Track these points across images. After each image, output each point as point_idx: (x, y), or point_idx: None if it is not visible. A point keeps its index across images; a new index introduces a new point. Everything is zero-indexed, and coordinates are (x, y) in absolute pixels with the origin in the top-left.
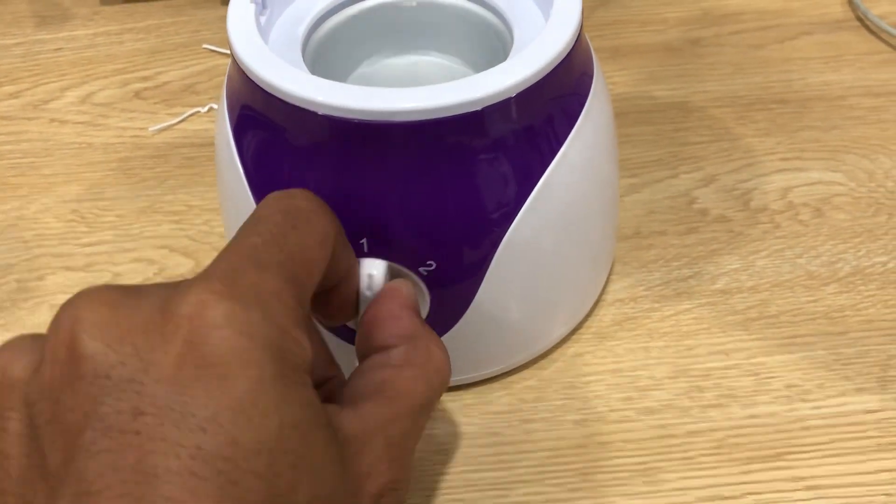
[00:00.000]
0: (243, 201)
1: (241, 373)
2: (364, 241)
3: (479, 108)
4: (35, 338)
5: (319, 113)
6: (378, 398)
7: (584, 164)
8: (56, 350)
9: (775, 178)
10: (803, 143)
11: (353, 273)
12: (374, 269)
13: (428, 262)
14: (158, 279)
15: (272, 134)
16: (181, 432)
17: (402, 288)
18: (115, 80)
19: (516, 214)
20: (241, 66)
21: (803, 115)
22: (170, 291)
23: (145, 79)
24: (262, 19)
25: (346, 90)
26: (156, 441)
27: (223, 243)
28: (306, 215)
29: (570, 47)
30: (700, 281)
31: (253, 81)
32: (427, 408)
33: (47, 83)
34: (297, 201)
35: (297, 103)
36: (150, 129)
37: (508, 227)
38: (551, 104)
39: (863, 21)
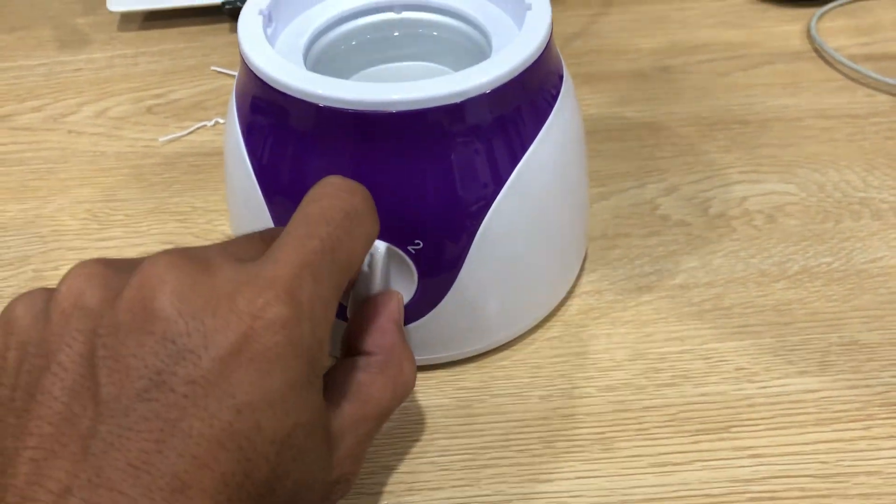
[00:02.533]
0: (250, 191)
1: (281, 374)
2: None
3: (458, 100)
4: (113, 274)
5: (318, 104)
6: (354, 400)
7: (555, 159)
8: (134, 300)
9: (733, 189)
10: (761, 158)
11: None
12: (374, 250)
13: (416, 241)
14: None
15: (276, 124)
16: (220, 407)
17: (393, 301)
18: (129, 97)
19: (493, 201)
20: (250, 66)
21: (762, 135)
22: (242, 278)
23: (157, 96)
24: (269, 31)
25: (342, 84)
26: (198, 408)
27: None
28: (361, 219)
29: (541, 51)
30: (660, 277)
31: (260, 79)
32: (388, 413)
33: (66, 99)
34: (357, 201)
35: (299, 96)
36: (160, 139)
37: (486, 213)
38: (524, 100)
39: (819, 52)
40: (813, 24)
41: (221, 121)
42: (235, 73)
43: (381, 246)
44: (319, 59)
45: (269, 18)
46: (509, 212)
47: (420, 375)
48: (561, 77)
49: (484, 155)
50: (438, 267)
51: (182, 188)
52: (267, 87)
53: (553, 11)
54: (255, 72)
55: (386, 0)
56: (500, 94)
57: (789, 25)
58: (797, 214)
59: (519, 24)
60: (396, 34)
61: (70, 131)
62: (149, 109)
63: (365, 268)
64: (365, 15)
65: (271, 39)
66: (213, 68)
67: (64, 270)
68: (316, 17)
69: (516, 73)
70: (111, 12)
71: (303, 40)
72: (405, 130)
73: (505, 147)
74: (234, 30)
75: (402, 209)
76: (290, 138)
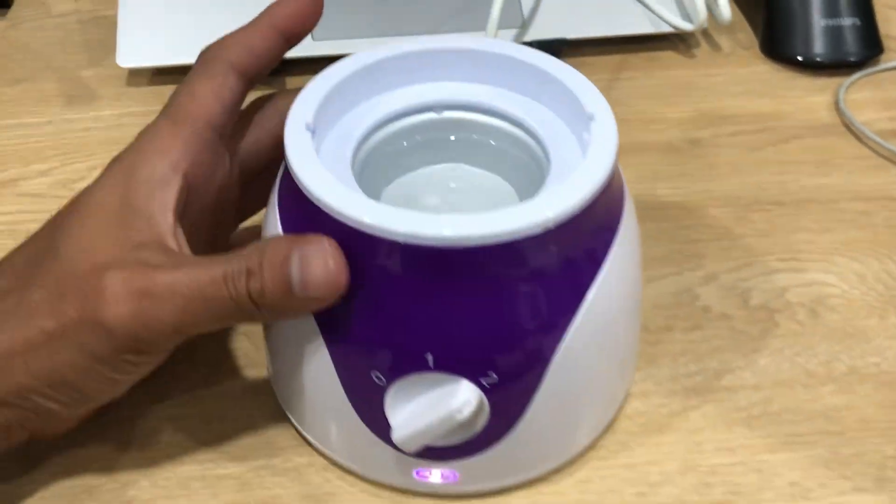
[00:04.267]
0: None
1: None
2: (429, 355)
3: (537, 232)
4: None
5: (388, 239)
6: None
7: (624, 277)
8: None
9: (774, 278)
10: (799, 244)
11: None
12: (466, 403)
13: (489, 374)
14: None
15: None
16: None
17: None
18: None
19: (568, 329)
20: (309, 196)
21: (798, 217)
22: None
23: None
24: (315, 143)
25: (411, 218)
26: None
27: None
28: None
29: (609, 178)
30: (706, 378)
31: (322, 210)
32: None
33: (75, 162)
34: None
35: (366, 230)
36: None
37: (562, 342)
38: (596, 223)
39: (849, 127)
40: (841, 95)
41: None
42: None
43: (472, 398)
44: (367, 160)
45: (314, 131)
46: (583, 338)
47: (470, 501)
48: (622, 188)
49: (558, 284)
50: (510, 399)
51: None
52: (329, 217)
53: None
54: (314, 201)
55: (432, 99)
56: (576, 222)
57: (817, 96)
58: (840, 308)
59: (577, 133)
60: (452, 138)
61: None
62: None
63: (456, 414)
64: (407, 116)
65: (317, 149)
66: None
67: None
68: (359, 120)
69: (591, 200)
70: (119, 66)
71: (349, 147)
72: (480, 265)
73: (579, 274)
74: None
75: (478, 343)
76: (351, 270)
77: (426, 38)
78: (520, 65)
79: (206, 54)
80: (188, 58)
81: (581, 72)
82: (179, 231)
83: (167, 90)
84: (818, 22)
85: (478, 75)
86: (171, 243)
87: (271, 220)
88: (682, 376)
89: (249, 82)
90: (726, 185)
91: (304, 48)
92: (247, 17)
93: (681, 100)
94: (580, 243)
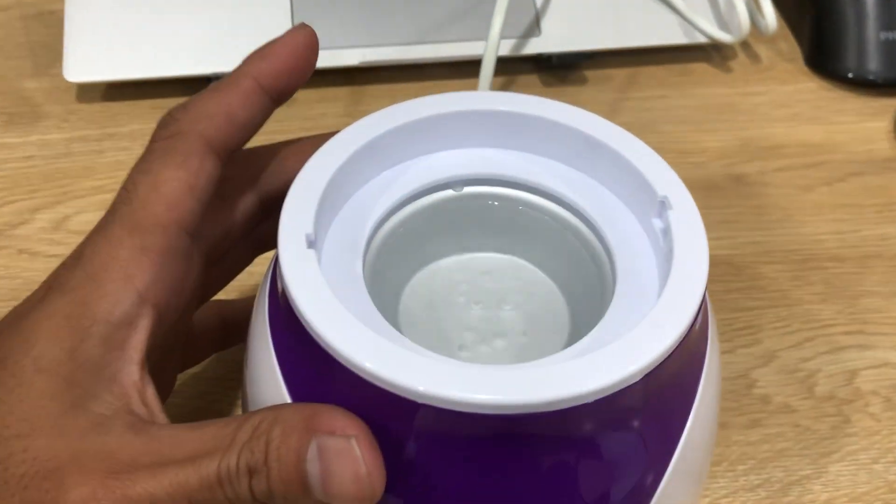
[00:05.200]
0: None
1: None
2: None
3: (613, 392)
4: None
5: (430, 405)
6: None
7: (708, 416)
8: None
9: (840, 358)
10: (866, 313)
11: None
12: None
13: None
14: None
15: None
16: None
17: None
18: (94, 200)
19: (657, 488)
20: (326, 347)
21: (862, 278)
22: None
23: None
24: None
25: (464, 376)
26: None
27: None
28: None
29: (698, 312)
30: (770, 492)
31: (340, 363)
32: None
33: (15, 201)
34: None
35: (406, 395)
36: None
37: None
38: (680, 364)
39: None
40: None
41: None
42: None
43: None
44: (378, 255)
45: (315, 242)
46: (672, 492)
47: None
48: (707, 305)
49: (645, 439)
50: None
51: None
52: (347, 371)
53: (597, 92)
54: (329, 352)
55: (454, 174)
56: (658, 371)
57: (872, 122)
58: None
59: (639, 216)
60: (485, 212)
61: (21, 251)
62: None
63: None
64: (424, 195)
65: (319, 259)
66: None
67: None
68: (365, 209)
69: (678, 342)
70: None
71: (357, 250)
72: (556, 431)
73: (669, 423)
74: None
75: None
76: (386, 435)
77: (436, 97)
78: (559, 127)
79: (171, 126)
80: (149, 71)
81: (604, 87)
82: (149, 388)
83: (125, 108)
84: (874, 34)
85: (506, 140)
86: (140, 409)
87: (262, 358)
88: (742, 490)
89: (227, 159)
90: (778, 237)
91: None
92: (216, 21)
93: (720, 125)
94: (672, 386)
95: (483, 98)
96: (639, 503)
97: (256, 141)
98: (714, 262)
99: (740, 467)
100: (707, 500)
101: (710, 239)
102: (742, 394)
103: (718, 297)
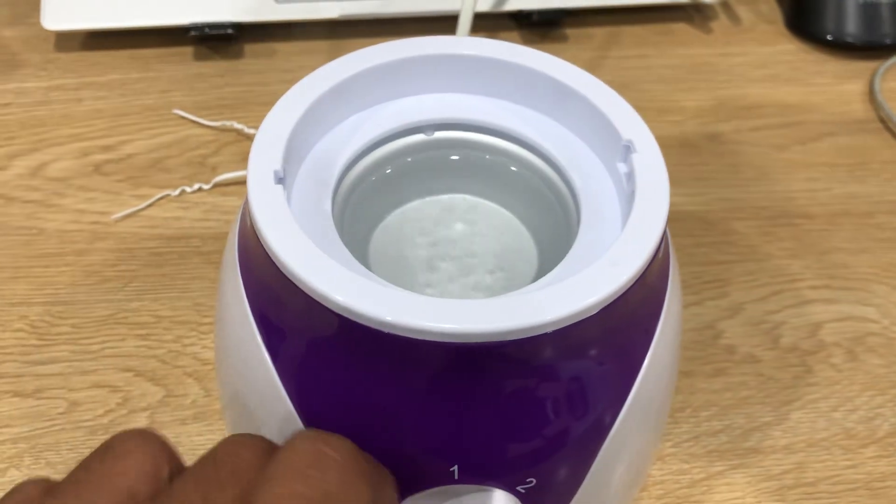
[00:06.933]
0: (273, 401)
1: None
2: (455, 468)
3: (578, 319)
4: None
5: (397, 335)
6: None
7: (670, 356)
8: None
9: (806, 311)
10: (832, 268)
11: None
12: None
13: (528, 480)
14: (122, 411)
15: (326, 347)
16: None
17: None
18: (71, 148)
19: (614, 422)
20: (287, 274)
21: (831, 234)
22: None
23: (107, 149)
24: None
25: (431, 308)
26: None
27: (199, 369)
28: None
29: (664, 235)
30: (731, 437)
31: (315, 300)
32: None
33: None
34: (330, 481)
35: (376, 326)
36: (113, 217)
37: (607, 436)
38: (640, 299)
39: (886, 123)
40: (876, 84)
41: (188, 189)
42: (202, 121)
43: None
44: (349, 198)
45: (284, 179)
46: (630, 425)
47: None
48: (668, 245)
49: (607, 372)
50: (550, 499)
51: (142, 287)
52: (312, 300)
53: (577, 50)
54: (305, 291)
55: (425, 118)
56: (629, 296)
57: (849, 84)
58: (881, 350)
59: (605, 161)
60: (455, 158)
61: None
62: (97, 168)
63: None
64: (394, 139)
65: (288, 197)
66: (175, 111)
67: None
68: (335, 150)
69: (635, 278)
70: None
71: (327, 189)
72: (515, 360)
73: (628, 358)
74: (198, 57)
75: (512, 448)
76: (349, 364)
77: (408, 41)
78: (529, 73)
79: None
80: (128, 20)
81: (584, 46)
82: None
83: (104, 57)
84: None
85: (476, 86)
86: None
87: (231, 287)
88: (704, 435)
89: None
90: (751, 194)
91: (266, 12)
92: None
93: (698, 84)
94: (630, 321)
95: (454, 43)
96: (596, 436)
97: (238, 91)
98: (686, 217)
99: (703, 413)
100: (670, 443)
101: (683, 195)
102: (708, 344)
103: (688, 250)
